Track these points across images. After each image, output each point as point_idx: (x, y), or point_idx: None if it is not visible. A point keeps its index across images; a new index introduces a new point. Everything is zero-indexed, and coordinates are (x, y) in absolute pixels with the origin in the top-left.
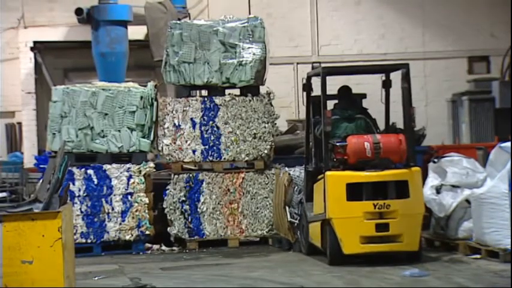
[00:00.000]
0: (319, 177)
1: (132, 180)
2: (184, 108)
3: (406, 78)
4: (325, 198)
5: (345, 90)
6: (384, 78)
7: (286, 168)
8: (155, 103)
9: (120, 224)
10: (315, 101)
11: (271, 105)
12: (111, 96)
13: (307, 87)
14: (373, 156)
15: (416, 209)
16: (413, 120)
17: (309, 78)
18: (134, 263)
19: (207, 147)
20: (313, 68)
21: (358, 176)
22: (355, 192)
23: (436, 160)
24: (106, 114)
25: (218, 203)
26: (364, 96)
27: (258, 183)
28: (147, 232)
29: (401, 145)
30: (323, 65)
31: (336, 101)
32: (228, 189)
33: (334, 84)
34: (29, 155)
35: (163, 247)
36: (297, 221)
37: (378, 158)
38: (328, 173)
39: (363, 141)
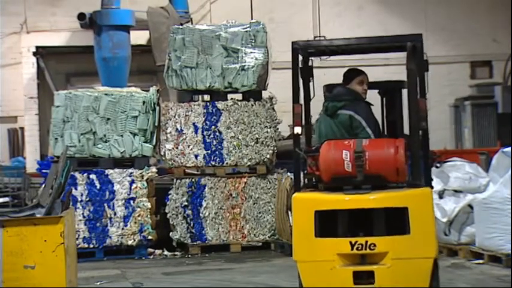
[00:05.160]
0: None
1: (134, 185)
2: (187, 113)
3: (415, 57)
4: (291, 232)
5: (345, 73)
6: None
7: (289, 173)
8: (157, 108)
9: (123, 228)
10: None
11: (274, 110)
12: (113, 101)
13: (306, 70)
14: (354, 172)
15: (420, 251)
16: (425, 117)
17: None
18: (136, 268)
19: (209, 152)
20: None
21: (329, 200)
22: (329, 224)
23: (438, 165)
24: (108, 119)
25: (220, 208)
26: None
27: (260, 188)
28: (150, 237)
29: (398, 155)
30: (326, 69)
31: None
32: (230, 194)
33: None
34: (31, 160)
35: (166, 252)
36: None
37: (361, 174)
38: (295, 195)
39: (340, 149)
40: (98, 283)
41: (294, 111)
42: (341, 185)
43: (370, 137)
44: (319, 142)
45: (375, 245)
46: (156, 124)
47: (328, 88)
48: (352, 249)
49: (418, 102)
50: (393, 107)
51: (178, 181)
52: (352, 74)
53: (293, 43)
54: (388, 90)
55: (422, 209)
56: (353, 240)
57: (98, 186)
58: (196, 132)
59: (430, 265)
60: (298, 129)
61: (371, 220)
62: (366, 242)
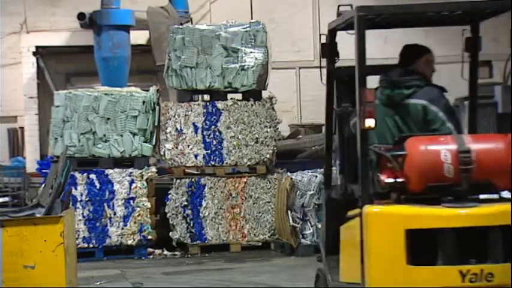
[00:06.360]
0: (351, 213)
1: (134, 185)
2: (187, 113)
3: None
4: (363, 257)
5: (404, 52)
6: (467, 34)
7: (289, 173)
8: (157, 108)
9: (122, 228)
10: (343, 75)
11: (274, 110)
12: (113, 101)
13: (330, 48)
14: (458, 179)
15: None
16: None
17: (332, 32)
18: (136, 268)
19: (209, 151)
20: (339, 14)
21: (430, 215)
22: (423, 247)
23: None
24: (108, 118)
25: (220, 208)
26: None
27: (260, 188)
28: (149, 237)
29: None
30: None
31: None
32: (230, 194)
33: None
34: (31, 160)
35: (166, 252)
36: (299, 226)
37: (467, 181)
38: (368, 208)
39: (437, 148)
40: (98, 283)
41: (364, 97)
42: (439, 196)
43: (452, 133)
44: (378, 141)
45: (492, 275)
46: (156, 124)
47: (379, 70)
48: (462, 280)
49: None
50: None
51: (178, 181)
52: (417, 52)
53: (359, 9)
54: None
55: None
56: (464, 268)
57: (98, 186)
58: (196, 132)
59: None
60: (371, 122)
61: (483, 242)
62: (482, 270)
